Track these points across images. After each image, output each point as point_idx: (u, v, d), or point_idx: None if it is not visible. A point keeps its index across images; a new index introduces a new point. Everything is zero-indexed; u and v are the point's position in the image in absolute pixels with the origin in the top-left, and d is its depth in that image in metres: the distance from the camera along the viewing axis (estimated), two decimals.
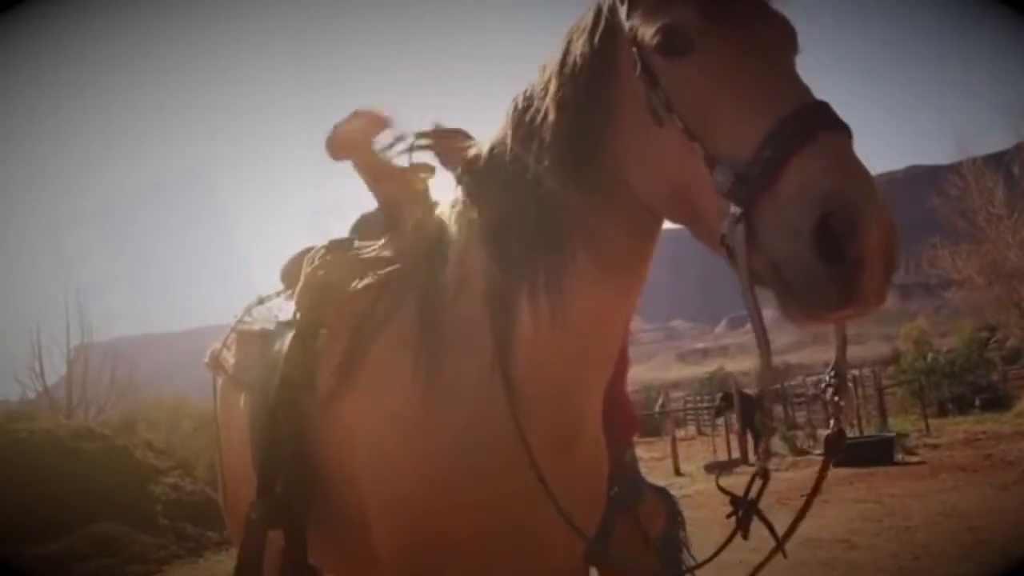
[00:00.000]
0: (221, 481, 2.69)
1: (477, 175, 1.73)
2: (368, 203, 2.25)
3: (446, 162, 1.93)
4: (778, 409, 19.39)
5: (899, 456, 12.48)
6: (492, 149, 1.69)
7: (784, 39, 1.31)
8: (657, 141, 1.33)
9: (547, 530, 1.62)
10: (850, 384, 17.52)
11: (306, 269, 2.14)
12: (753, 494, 1.38)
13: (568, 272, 1.54)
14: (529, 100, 1.61)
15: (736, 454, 14.85)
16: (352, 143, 2.11)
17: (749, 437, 14.60)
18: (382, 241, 2.02)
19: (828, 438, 1.37)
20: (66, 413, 19.00)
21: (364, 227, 2.28)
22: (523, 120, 1.61)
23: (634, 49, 1.37)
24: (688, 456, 15.80)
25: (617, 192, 1.46)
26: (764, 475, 1.37)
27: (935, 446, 13.93)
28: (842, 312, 1.13)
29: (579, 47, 1.50)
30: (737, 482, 1.42)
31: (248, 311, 2.56)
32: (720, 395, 18.16)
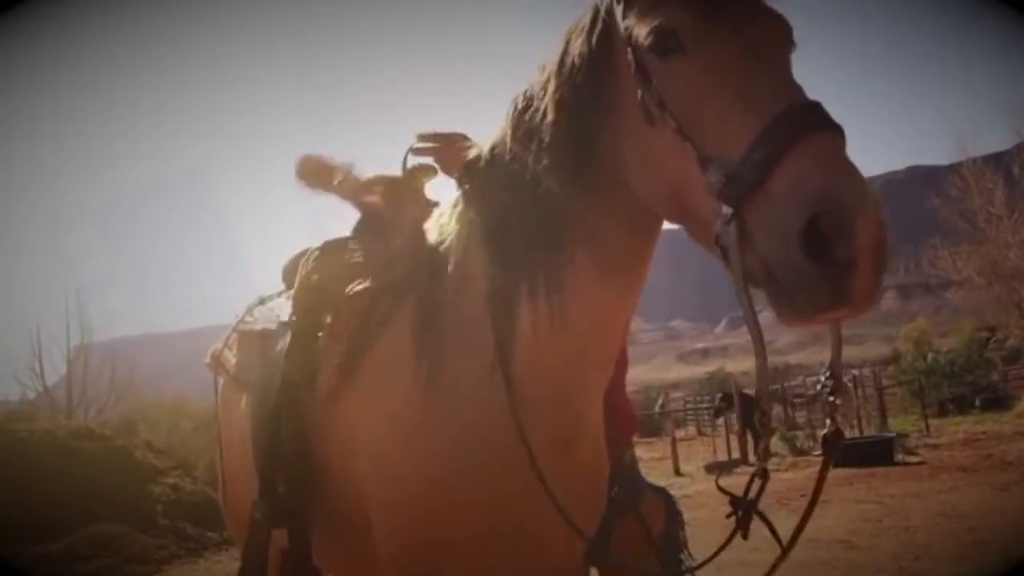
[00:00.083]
0: (221, 481, 2.69)
1: (477, 175, 1.73)
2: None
3: (445, 167, 1.94)
4: (778, 410, 19.39)
5: (899, 456, 12.48)
6: (492, 149, 1.70)
7: (779, 37, 1.31)
8: (652, 141, 1.34)
9: (547, 530, 1.62)
10: (850, 384, 17.47)
11: (301, 272, 2.15)
12: (753, 494, 1.38)
13: (568, 272, 1.54)
14: (529, 100, 1.61)
15: (736, 454, 14.87)
16: (317, 171, 2.27)
17: (749, 437, 14.61)
18: (381, 242, 2.02)
19: (826, 437, 1.36)
20: (66, 413, 19.01)
21: (366, 228, 2.28)
22: (522, 120, 1.61)
23: (629, 49, 1.37)
24: (688, 456, 15.80)
25: (617, 192, 1.46)
26: (763, 475, 1.37)
27: (935, 446, 13.93)
28: (833, 313, 1.13)
29: (577, 47, 1.50)
30: (737, 482, 1.42)
31: (249, 311, 2.56)
32: (720, 395, 18.16)
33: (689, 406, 29.34)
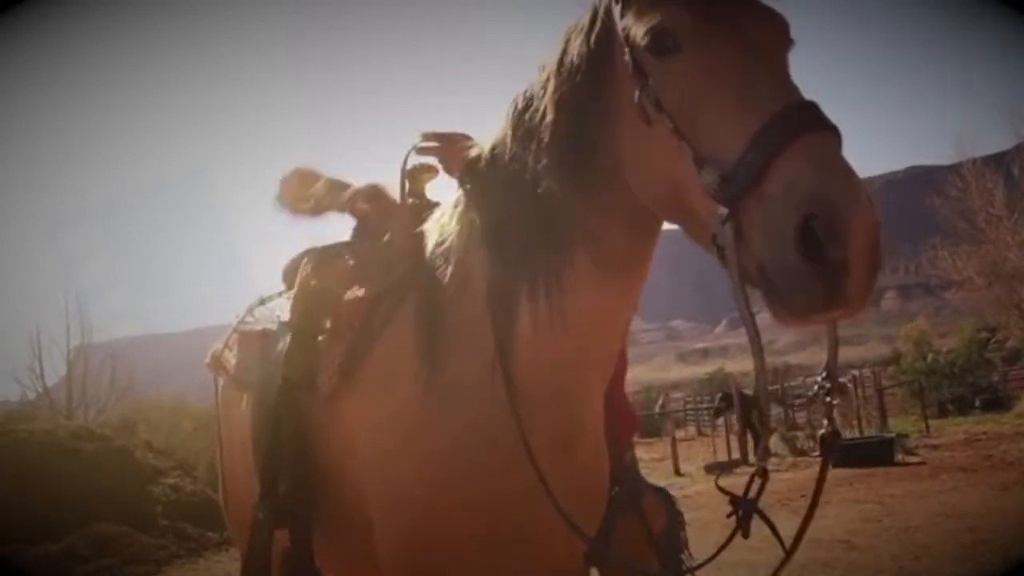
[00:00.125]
0: (221, 481, 2.69)
1: (478, 175, 1.73)
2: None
3: (448, 166, 1.94)
4: (778, 410, 19.38)
5: (899, 457, 12.48)
6: (493, 149, 1.70)
7: (775, 36, 1.31)
8: (650, 141, 1.34)
9: (547, 530, 1.62)
10: (849, 385, 17.42)
11: (301, 274, 2.16)
12: (753, 494, 1.38)
13: (568, 272, 1.54)
14: (529, 100, 1.62)
15: (736, 455, 14.86)
16: (294, 195, 2.32)
17: (749, 438, 14.60)
18: (381, 244, 2.02)
19: (823, 438, 1.36)
20: (66, 414, 19.02)
21: (364, 231, 2.28)
22: (522, 120, 1.61)
23: (627, 49, 1.37)
24: (688, 457, 15.79)
25: (616, 192, 1.46)
26: (763, 474, 1.38)
27: (935, 447, 13.92)
28: (828, 313, 1.13)
29: (576, 47, 1.50)
30: (737, 483, 1.42)
31: (250, 311, 2.56)
32: (720, 395, 18.15)
33: (689, 406, 29.33)
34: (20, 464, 9.60)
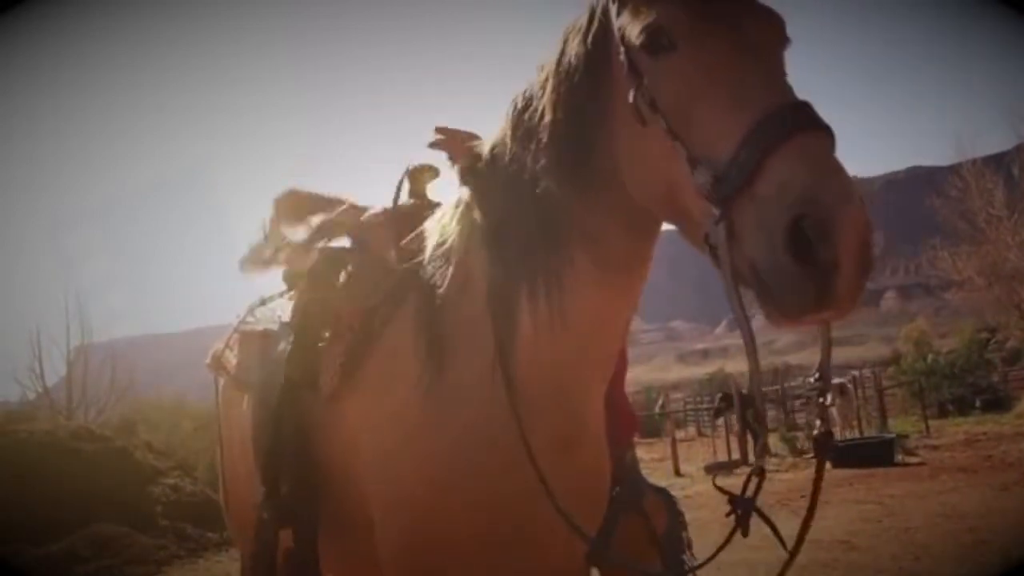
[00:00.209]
0: (222, 482, 2.69)
1: (478, 175, 1.73)
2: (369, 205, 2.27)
3: (456, 161, 1.95)
4: (777, 411, 19.37)
5: (899, 457, 12.47)
6: (492, 149, 1.70)
7: (771, 35, 1.31)
8: (645, 141, 1.34)
9: (547, 530, 1.62)
10: (850, 385, 17.36)
11: (303, 274, 2.16)
12: (750, 493, 1.38)
13: (568, 272, 1.54)
14: (528, 100, 1.62)
15: (736, 455, 14.85)
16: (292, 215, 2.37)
17: (749, 438, 14.55)
18: (380, 246, 2.03)
19: (816, 439, 1.36)
20: (66, 414, 19.01)
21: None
22: (522, 120, 1.62)
23: (622, 48, 1.37)
24: (688, 457, 15.77)
25: (615, 192, 1.46)
26: (760, 473, 1.38)
27: (935, 447, 13.92)
28: (819, 314, 1.13)
29: (574, 48, 1.50)
30: (737, 483, 1.42)
31: (251, 311, 2.57)
32: (719, 396, 18.09)
33: (689, 407, 29.29)
34: (20, 464, 9.61)
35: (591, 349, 1.63)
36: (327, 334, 1.94)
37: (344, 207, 2.22)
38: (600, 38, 1.46)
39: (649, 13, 1.32)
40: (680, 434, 19.55)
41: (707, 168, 1.19)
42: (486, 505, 1.60)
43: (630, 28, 1.36)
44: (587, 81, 1.47)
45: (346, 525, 1.90)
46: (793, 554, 1.39)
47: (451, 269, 1.72)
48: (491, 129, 1.75)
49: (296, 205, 2.36)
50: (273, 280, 2.56)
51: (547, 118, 1.53)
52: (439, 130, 1.99)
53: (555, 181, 1.52)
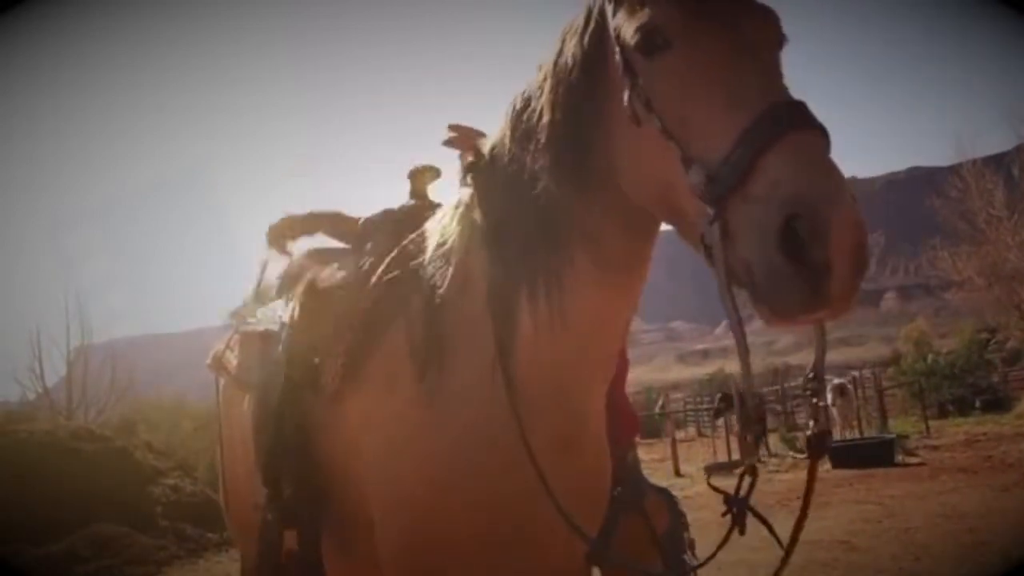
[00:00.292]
0: (222, 482, 2.69)
1: (478, 175, 1.74)
2: (370, 205, 2.29)
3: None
4: (777, 410, 19.36)
5: (899, 457, 12.47)
6: (492, 150, 1.70)
7: (767, 34, 1.31)
8: (640, 141, 1.34)
9: (548, 530, 1.62)
10: (850, 385, 17.32)
11: (304, 275, 2.17)
12: (744, 491, 1.38)
13: (567, 272, 1.54)
14: (527, 101, 1.62)
15: (736, 455, 14.79)
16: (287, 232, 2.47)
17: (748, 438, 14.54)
18: (380, 247, 2.03)
19: (810, 439, 1.35)
20: (66, 414, 19.00)
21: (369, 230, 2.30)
22: (521, 120, 1.62)
23: (617, 48, 1.37)
24: (688, 457, 15.77)
25: (613, 192, 1.46)
26: (752, 471, 1.38)
27: (935, 447, 13.91)
28: (812, 314, 1.13)
29: (571, 48, 1.50)
30: (736, 483, 1.42)
31: (252, 311, 2.57)
32: (719, 396, 18.09)
33: (689, 407, 29.30)
34: (20, 464, 9.61)
35: (591, 349, 1.63)
36: (328, 333, 1.94)
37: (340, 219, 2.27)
38: (596, 38, 1.46)
39: (644, 13, 1.32)
40: (680, 434, 19.56)
41: (701, 168, 1.19)
42: (486, 505, 1.60)
43: (625, 28, 1.35)
44: (584, 81, 1.47)
45: (348, 525, 1.91)
46: (787, 554, 1.39)
47: (451, 269, 1.72)
48: (491, 129, 1.76)
49: (290, 227, 2.40)
50: (273, 281, 2.57)
51: (545, 118, 1.53)
52: (452, 128, 1.99)
53: (554, 181, 1.52)
